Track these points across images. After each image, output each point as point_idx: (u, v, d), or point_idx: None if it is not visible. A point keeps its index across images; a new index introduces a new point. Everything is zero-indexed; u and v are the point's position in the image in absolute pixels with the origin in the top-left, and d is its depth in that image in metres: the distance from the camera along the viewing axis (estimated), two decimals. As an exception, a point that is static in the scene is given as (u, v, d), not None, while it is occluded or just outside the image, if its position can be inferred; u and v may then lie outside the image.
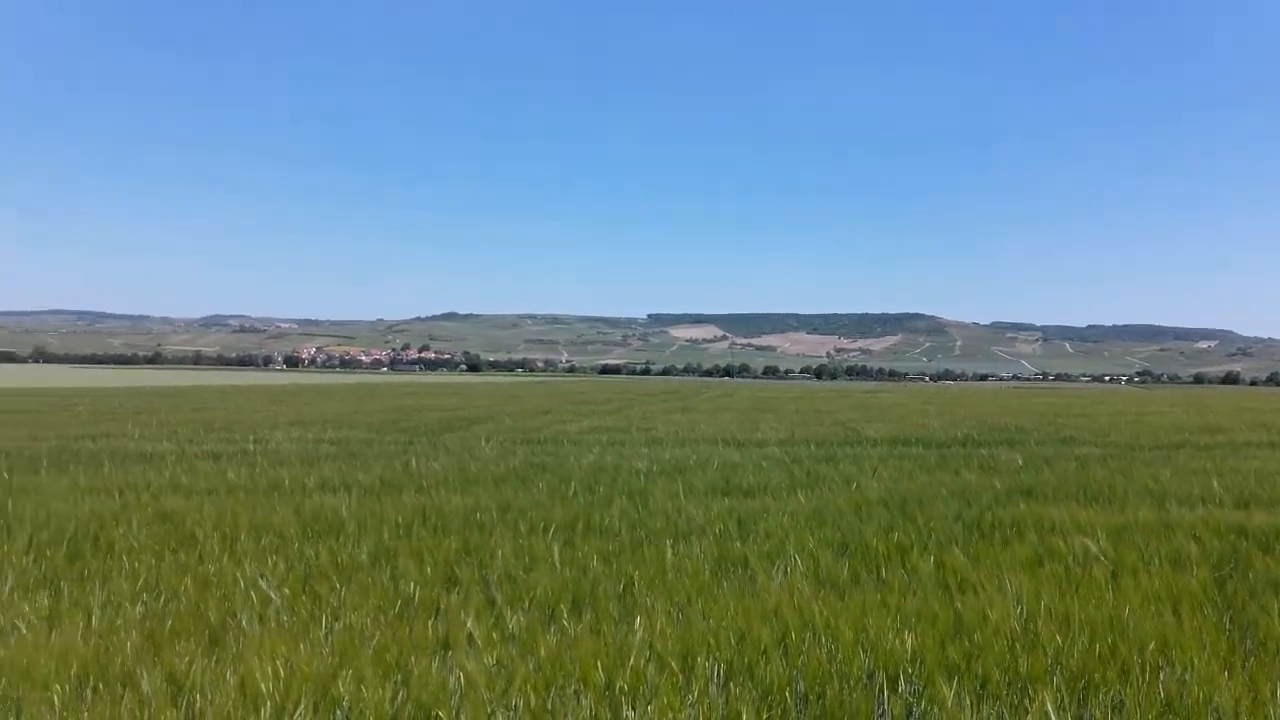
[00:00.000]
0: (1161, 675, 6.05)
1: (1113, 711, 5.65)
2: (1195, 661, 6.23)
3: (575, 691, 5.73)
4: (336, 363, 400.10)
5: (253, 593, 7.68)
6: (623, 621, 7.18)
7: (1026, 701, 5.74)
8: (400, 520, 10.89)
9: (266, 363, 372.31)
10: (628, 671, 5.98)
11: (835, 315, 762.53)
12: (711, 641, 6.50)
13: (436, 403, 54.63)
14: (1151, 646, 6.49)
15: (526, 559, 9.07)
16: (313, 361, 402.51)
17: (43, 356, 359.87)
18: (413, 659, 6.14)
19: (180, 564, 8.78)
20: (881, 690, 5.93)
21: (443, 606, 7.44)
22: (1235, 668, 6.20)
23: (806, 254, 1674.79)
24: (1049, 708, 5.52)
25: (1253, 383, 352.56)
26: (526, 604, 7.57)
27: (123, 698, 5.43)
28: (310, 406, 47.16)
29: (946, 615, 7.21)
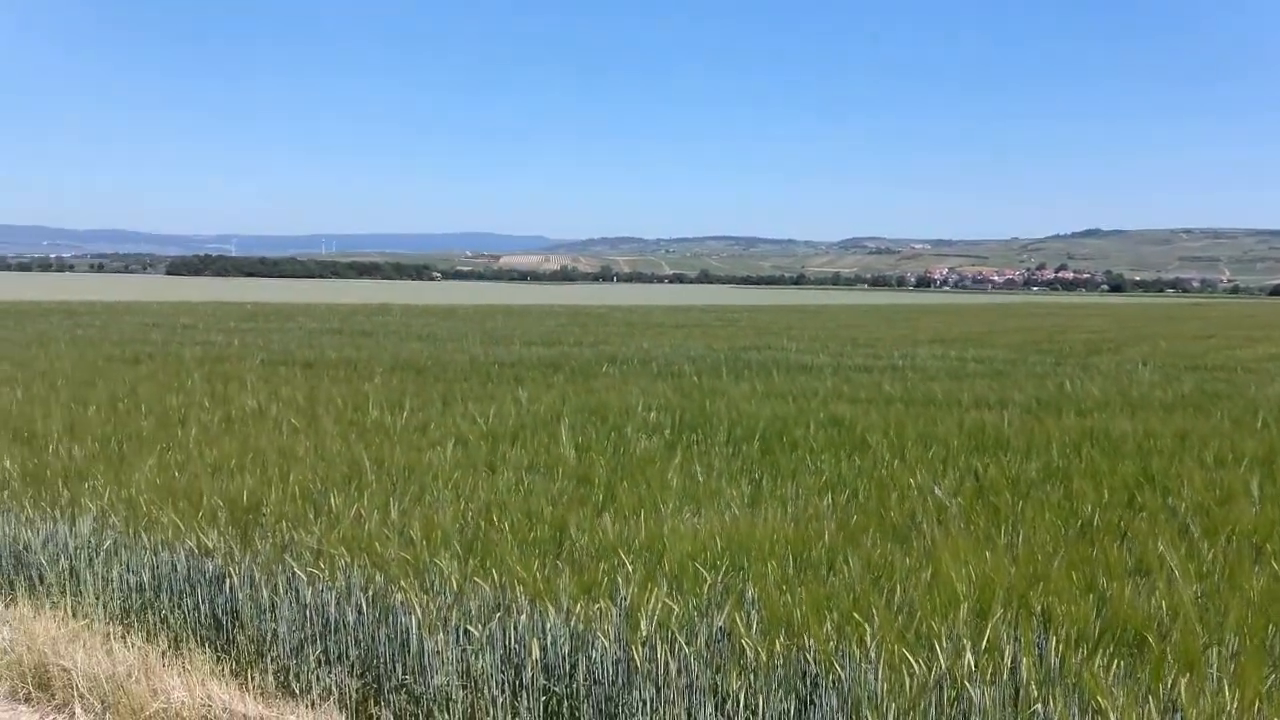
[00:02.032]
0: None
1: None
2: None
3: (1305, 639, 5.10)
4: (968, 283, 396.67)
5: (928, 499, 7.96)
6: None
7: None
8: (1067, 440, 10.53)
9: (899, 283, 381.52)
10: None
11: None
12: None
13: (1077, 324, 51.83)
14: None
15: (1217, 491, 8.25)
16: (944, 282, 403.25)
17: (706, 277, 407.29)
18: (1103, 580, 5.92)
19: (856, 466, 9.38)
20: None
21: (1128, 531, 7.07)
22: None
23: None
24: None
25: None
26: (1224, 538, 6.89)
27: (827, 577, 5.97)
28: (947, 325, 47.51)
29: None
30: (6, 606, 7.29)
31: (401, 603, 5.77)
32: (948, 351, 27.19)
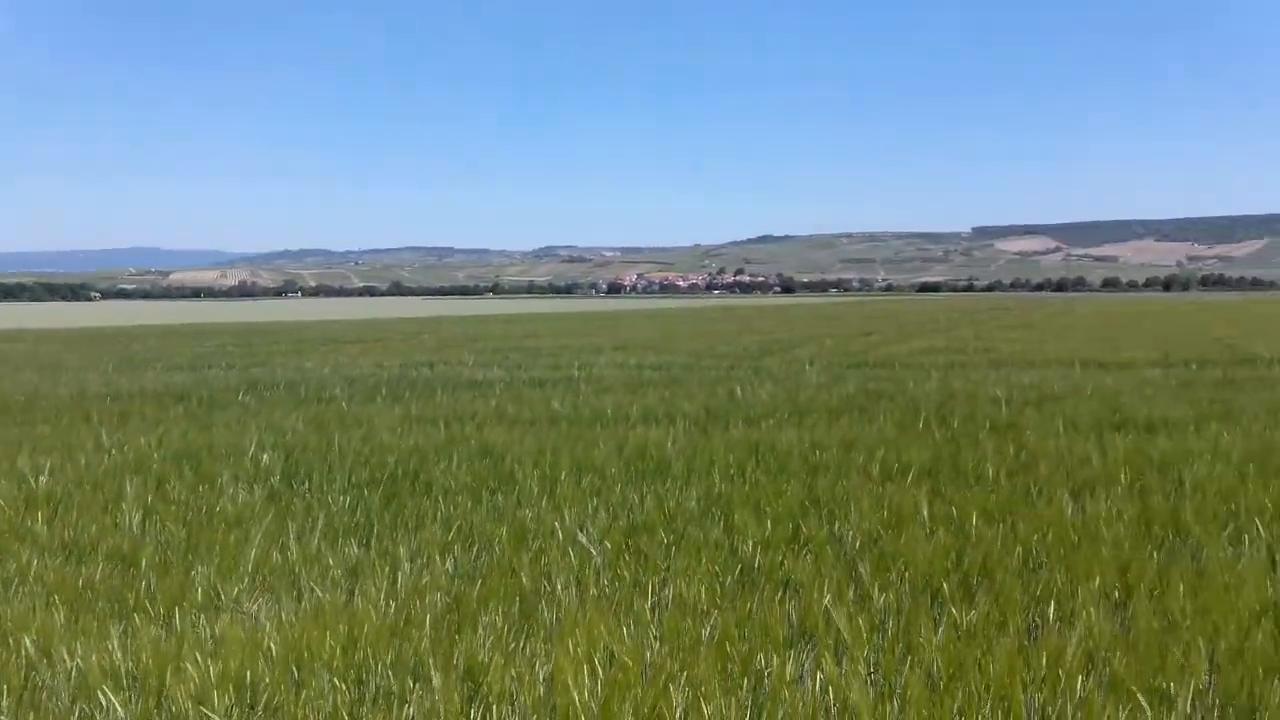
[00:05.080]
0: None
1: None
2: None
3: (993, 725, 4.10)
4: (656, 288, 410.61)
5: (571, 549, 6.59)
6: (1031, 609, 5.45)
7: None
8: (732, 460, 9.56)
9: (592, 289, 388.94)
10: (1059, 694, 4.29)
11: (1189, 220, 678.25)
12: (1182, 658, 4.62)
13: (753, 325, 53.73)
14: None
15: (885, 512, 7.46)
16: (633, 288, 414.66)
17: (399, 289, 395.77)
18: (761, 656, 4.75)
19: (497, 509, 7.92)
20: None
21: (792, 577, 6.01)
22: None
23: (1158, 144, 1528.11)
24: None
25: None
26: (896, 578, 5.97)
27: (409, 699, 4.39)
28: (634, 332, 47.61)
29: None
30: None
31: None
32: (629, 359, 26.54)
